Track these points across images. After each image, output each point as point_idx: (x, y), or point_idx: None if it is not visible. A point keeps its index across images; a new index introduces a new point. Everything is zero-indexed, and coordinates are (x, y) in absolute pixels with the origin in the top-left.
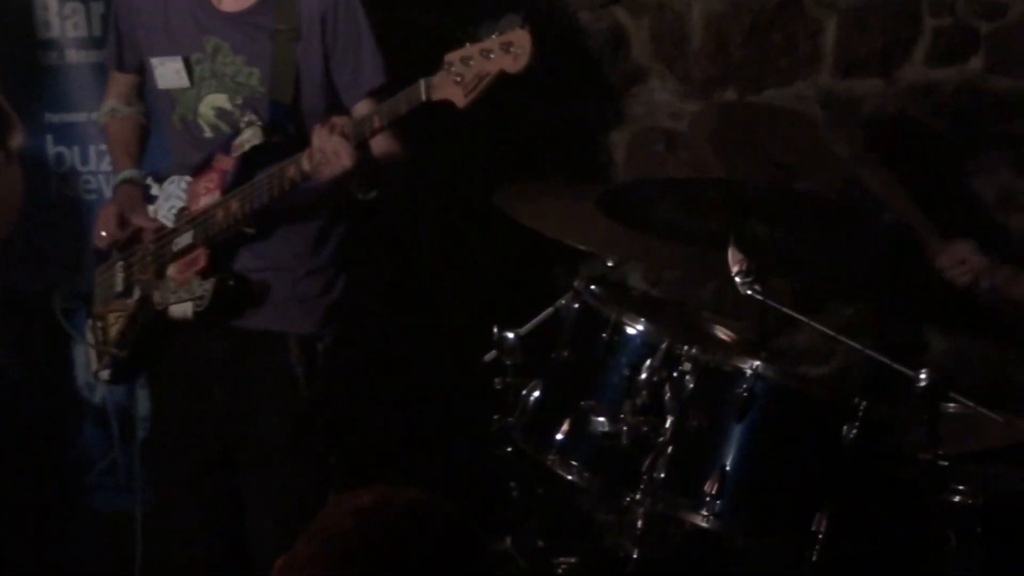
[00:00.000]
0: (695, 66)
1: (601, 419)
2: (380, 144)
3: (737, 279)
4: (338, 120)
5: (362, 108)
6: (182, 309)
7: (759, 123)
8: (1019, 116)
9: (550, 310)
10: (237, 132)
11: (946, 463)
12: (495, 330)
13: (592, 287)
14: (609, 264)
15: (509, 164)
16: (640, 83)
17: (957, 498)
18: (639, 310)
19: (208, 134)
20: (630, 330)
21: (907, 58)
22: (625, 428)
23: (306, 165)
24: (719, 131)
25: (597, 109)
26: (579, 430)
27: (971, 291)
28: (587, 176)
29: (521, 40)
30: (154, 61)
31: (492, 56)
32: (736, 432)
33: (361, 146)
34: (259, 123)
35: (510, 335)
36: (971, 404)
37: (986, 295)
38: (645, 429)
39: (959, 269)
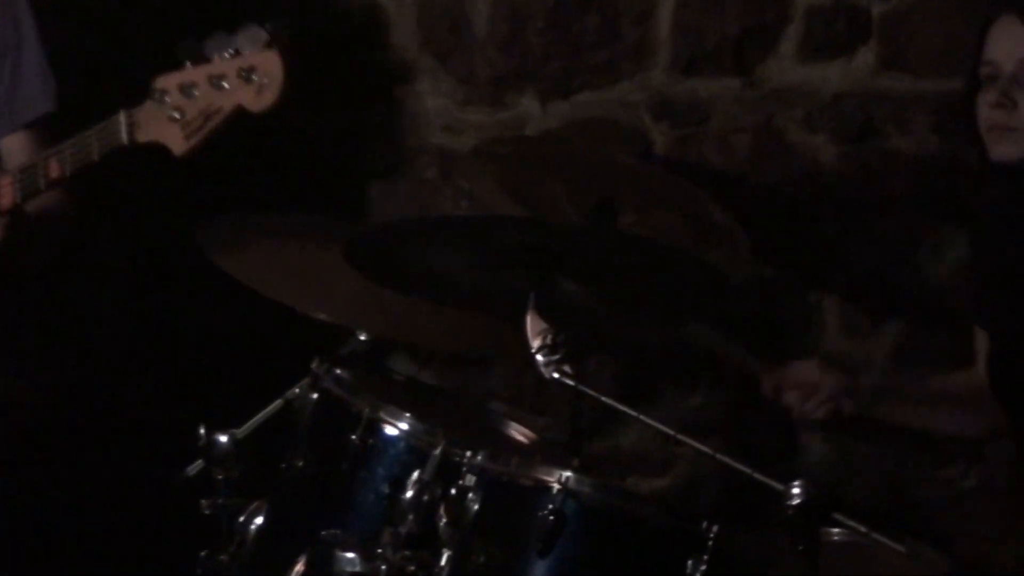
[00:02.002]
0: (480, 61)
1: (350, 555)
2: (43, 196)
3: (539, 357)
4: None
5: (15, 144)
6: None
7: (566, 143)
8: (923, 128)
9: (279, 402)
10: None
11: None
12: (201, 431)
13: (337, 371)
14: (362, 338)
15: (220, 200)
16: (404, 84)
17: None
18: (403, 402)
19: None
20: (390, 430)
21: (772, 50)
22: (384, 567)
23: None
24: (515, 152)
25: (342, 122)
26: (319, 570)
27: (835, 424)
28: (328, 215)
29: (268, 65)
30: None
31: (226, 85)
32: (539, 570)
33: (17, 207)
34: None
35: (223, 438)
36: (862, 529)
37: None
38: (412, 568)
39: (811, 403)
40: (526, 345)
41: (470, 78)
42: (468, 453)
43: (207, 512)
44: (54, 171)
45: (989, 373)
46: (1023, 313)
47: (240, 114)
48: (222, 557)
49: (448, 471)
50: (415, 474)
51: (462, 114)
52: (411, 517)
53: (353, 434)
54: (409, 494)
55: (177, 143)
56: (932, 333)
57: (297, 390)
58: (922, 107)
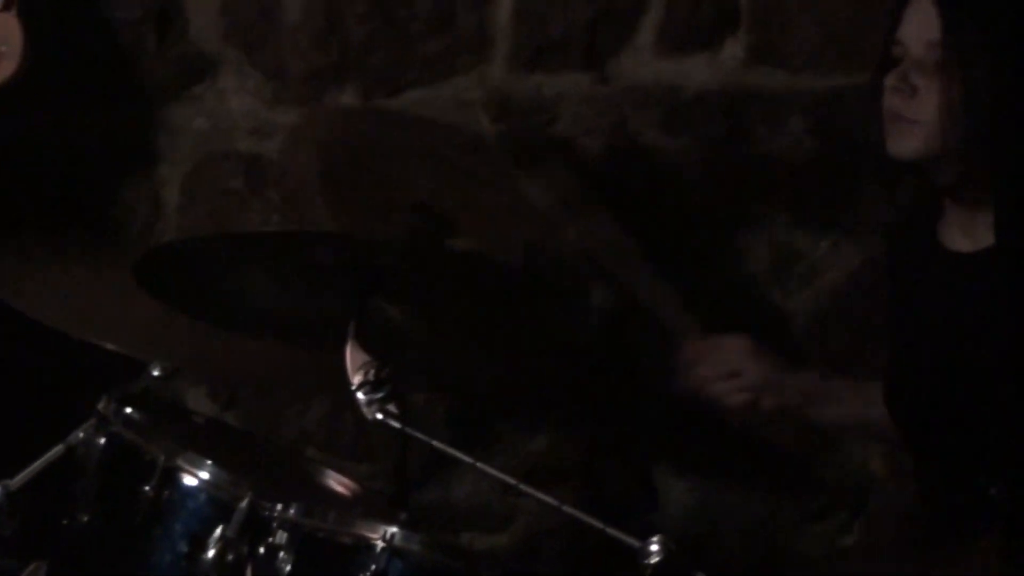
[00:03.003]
0: (292, 53)
1: None
2: None
3: (359, 395)
4: None
5: None
6: None
7: (394, 144)
8: (799, 130)
9: (59, 448)
10: None
11: None
12: None
13: (127, 411)
14: (155, 373)
15: None
16: (204, 80)
17: None
18: (204, 447)
19: None
20: (189, 480)
21: (627, 42)
22: None
23: None
24: (332, 158)
25: (129, 124)
26: None
27: (746, 418)
28: (117, 231)
29: (4, 30)
30: None
31: None
32: None
33: None
34: None
35: None
36: None
37: (768, 418)
38: None
39: (727, 384)
40: (345, 381)
41: (281, 73)
42: (279, 506)
43: None
44: None
45: (885, 392)
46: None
47: None
48: None
49: (256, 527)
50: (218, 530)
51: (272, 115)
52: None
53: (146, 484)
54: (211, 553)
55: None
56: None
57: (81, 434)
58: (797, 106)
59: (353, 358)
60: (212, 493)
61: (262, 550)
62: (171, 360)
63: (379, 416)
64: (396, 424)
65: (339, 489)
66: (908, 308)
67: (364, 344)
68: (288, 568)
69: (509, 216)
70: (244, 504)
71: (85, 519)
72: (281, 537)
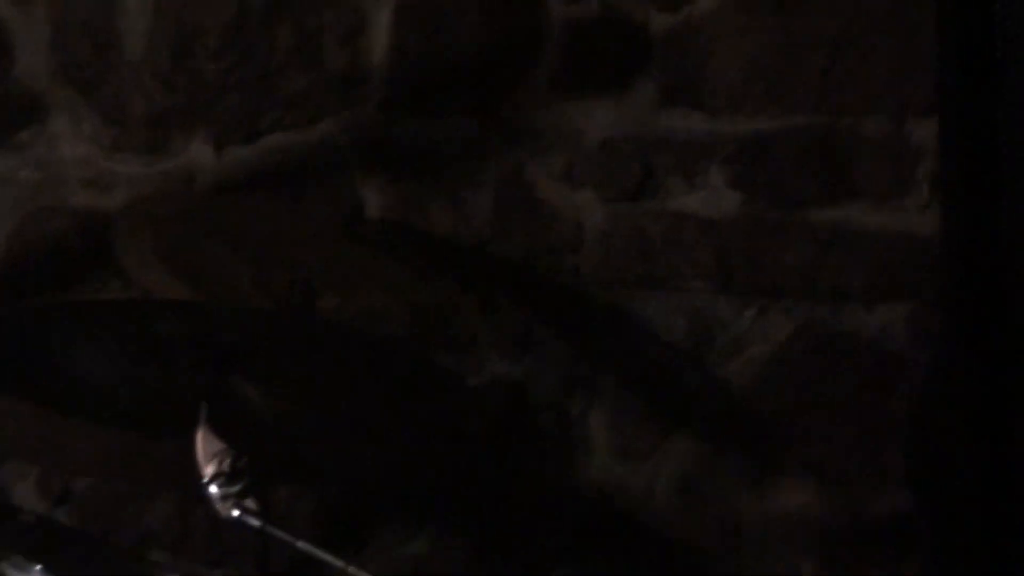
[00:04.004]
0: (135, 93)
1: None
2: None
3: (213, 489)
4: None
5: None
6: None
7: (251, 202)
8: (719, 182)
9: None
10: None
11: None
12: None
13: None
14: None
15: None
16: (32, 124)
17: None
18: (32, 550)
19: None
20: None
21: (520, 80)
22: None
23: None
24: (180, 214)
25: None
26: None
27: None
28: None
29: None
30: None
31: None
32: None
33: None
34: None
35: None
36: None
37: None
38: None
39: None
40: (196, 473)
41: (122, 116)
42: None
43: None
44: None
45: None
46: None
47: None
48: None
49: None
50: None
51: (111, 163)
52: None
53: None
54: None
55: None
56: (731, 452)
57: None
58: (717, 154)
59: (205, 446)
60: None
61: None
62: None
63: (235, 513)
64: (255, 522)
65: None
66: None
67: (218, 430)
68: None
69: (387, 286)
70: None
71: None
72: None
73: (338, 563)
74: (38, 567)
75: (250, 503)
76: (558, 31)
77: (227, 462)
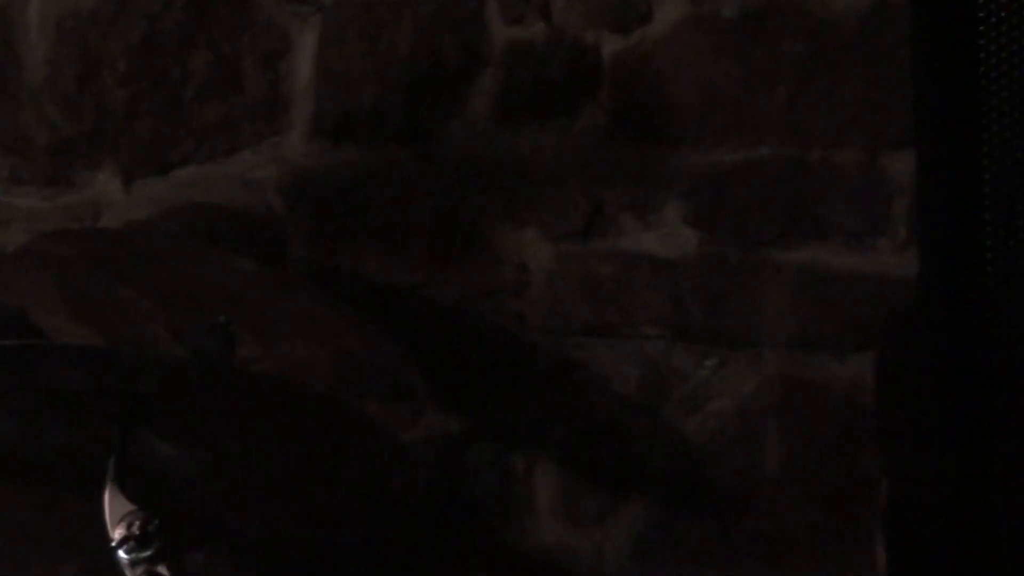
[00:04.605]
0: (34, 119)
1: None
2: None
3: (121, 554)
4: None
5: None
6: None
7: (163, 241)
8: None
9: None
10: None
11: None
12: None
13: None
14: None
15: None
16: None
17: None
18: None
19: None
20: None
21: (457, 108)
22: None
23: None
24: (84, 254)
25: None
26: None
27: None
28: None
29: None
30: None
31: None
32: None
33: None
34: None
35: None
36: None
37: None
38: None
39: None
40: (103, 536)
41: (20, 145)
42: None
43: None
44: None
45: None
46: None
47: None
48: None
49: None
50: None
51: (8, 197)
52: None
53: None
54: None
55: None
56: (688, 516)
57: None
58: (674, 189)
59: (113, 506)
60: None
61: None
62: None
63: None
64: None
65: None
66: None
67: (127, 489)
68: None
69: (313, 332)
70: None
71: None
72: None
73: None
74: None
75: (162, 570)
76: (500, 54)
77: (137, 524)
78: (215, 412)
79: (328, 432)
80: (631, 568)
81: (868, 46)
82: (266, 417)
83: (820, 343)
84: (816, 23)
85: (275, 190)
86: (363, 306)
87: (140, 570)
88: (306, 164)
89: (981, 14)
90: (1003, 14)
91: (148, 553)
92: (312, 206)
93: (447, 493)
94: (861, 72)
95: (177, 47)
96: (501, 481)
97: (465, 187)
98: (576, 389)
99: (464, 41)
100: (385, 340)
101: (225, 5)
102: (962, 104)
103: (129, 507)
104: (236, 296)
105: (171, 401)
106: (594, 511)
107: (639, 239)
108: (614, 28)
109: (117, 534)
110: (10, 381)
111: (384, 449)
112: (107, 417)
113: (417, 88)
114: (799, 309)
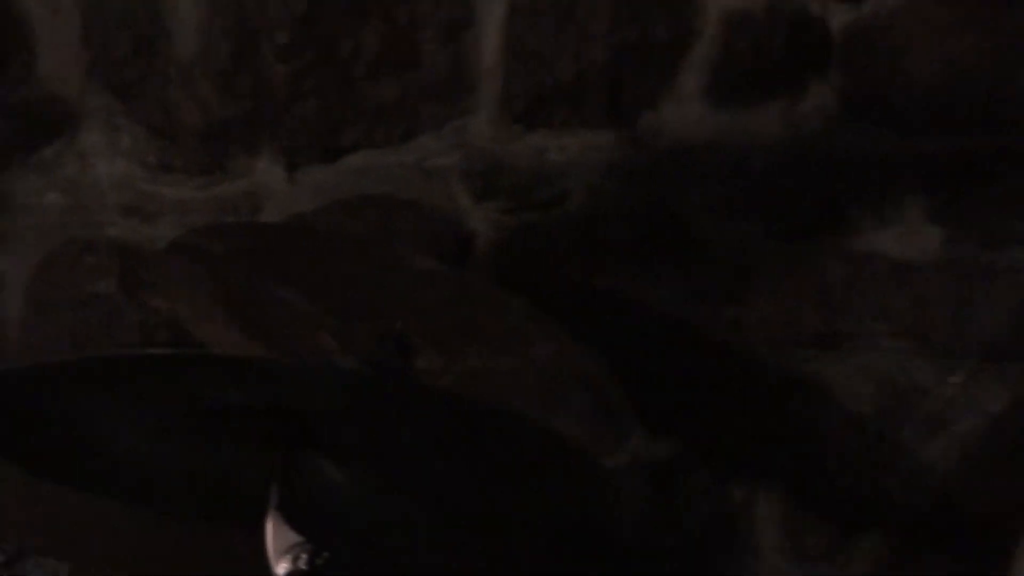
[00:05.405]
0: (186, 99)
1: None
2: None
3: None
4: None
5: None
6: None
7: (330, 237)
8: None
9: None
10: None
11: None
12: None
13: None
14: None
15: None
16: (59, 137)
17: None
18: None
19: None
20: None
21: (666, 87)
22: None
23: None
24: (241, 250)
25: None
26: None
27: None
28: None
29: None
30: None
31: None
32: None
33: None
34: None
35: None
36: None
37: None
38: None
39: None
40: (266, 572)
41: (169, 128)
42: None
43: None
44: None
45: None
46: None
47: None
48: None
49: None
50: None
51: (155, 187)
52: None
53: None
54: None
55: None
56: (932, 553)
57: None
58: (916, 182)
59: (277, 539)
60: None
61: None
62: (9, 539)
63: None
64: None
65: None
66: None
67: (292, 519)
68: None
69: (501, 340)
70: None
71: None
72: None
73: None
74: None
75: None
76: (714, 25)
77: (304, 558)
78: (390, 432)
79: (519, 456)
80: None
81: None
82: (447, 438)
83: None
84: None
85: (459, 179)
86: (558, 311)
87: None
88: (494, 151)
89: None
90: None
91: None
92: (501, 198)
93: (656, 526)
94: None
95: (346, 17)
96: (717, 513)
97: (674, 175)
98: (801, 408)
99: (673, 11)
100: (584, 351)
101: None
102: None
103: (295, 538)
104: (413, 300)
105: (340, 420)
106: (823, 547)
107: (874, 238)
108: None
109: (282, 569)
110: (160, 396)
111: (584, 476)
112: (269, 438)
113: (619, 65)
114: None
